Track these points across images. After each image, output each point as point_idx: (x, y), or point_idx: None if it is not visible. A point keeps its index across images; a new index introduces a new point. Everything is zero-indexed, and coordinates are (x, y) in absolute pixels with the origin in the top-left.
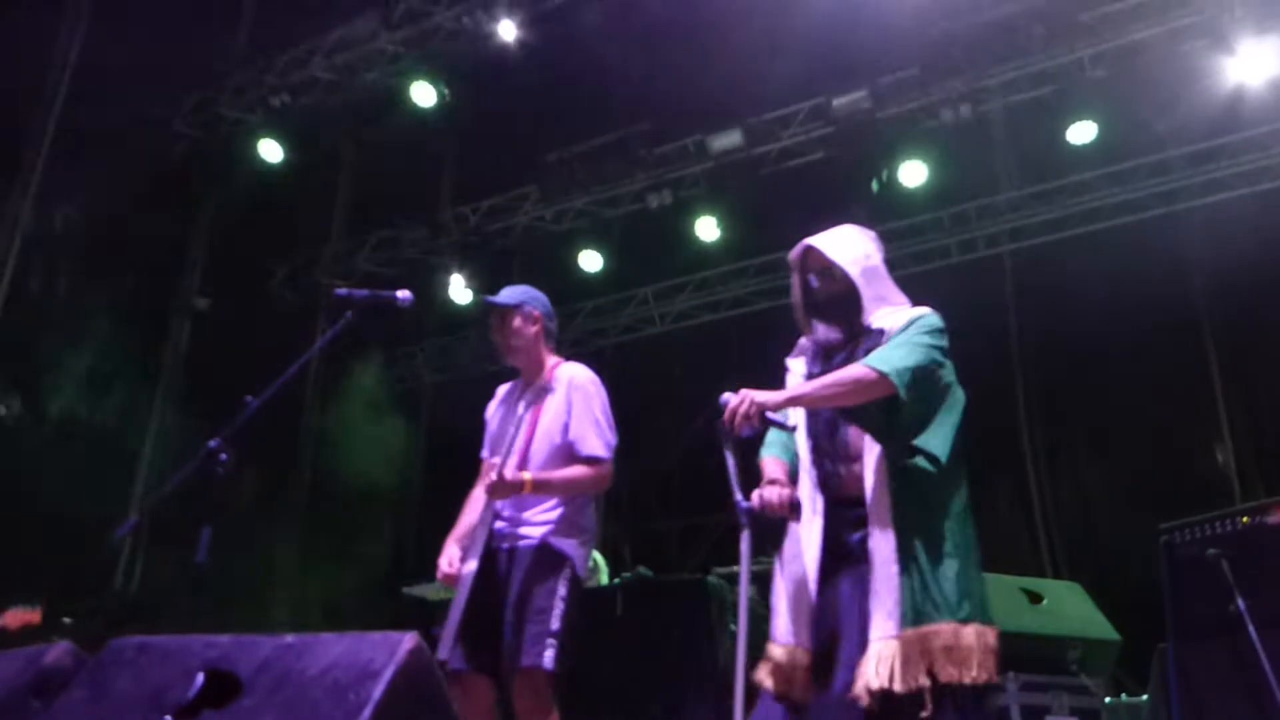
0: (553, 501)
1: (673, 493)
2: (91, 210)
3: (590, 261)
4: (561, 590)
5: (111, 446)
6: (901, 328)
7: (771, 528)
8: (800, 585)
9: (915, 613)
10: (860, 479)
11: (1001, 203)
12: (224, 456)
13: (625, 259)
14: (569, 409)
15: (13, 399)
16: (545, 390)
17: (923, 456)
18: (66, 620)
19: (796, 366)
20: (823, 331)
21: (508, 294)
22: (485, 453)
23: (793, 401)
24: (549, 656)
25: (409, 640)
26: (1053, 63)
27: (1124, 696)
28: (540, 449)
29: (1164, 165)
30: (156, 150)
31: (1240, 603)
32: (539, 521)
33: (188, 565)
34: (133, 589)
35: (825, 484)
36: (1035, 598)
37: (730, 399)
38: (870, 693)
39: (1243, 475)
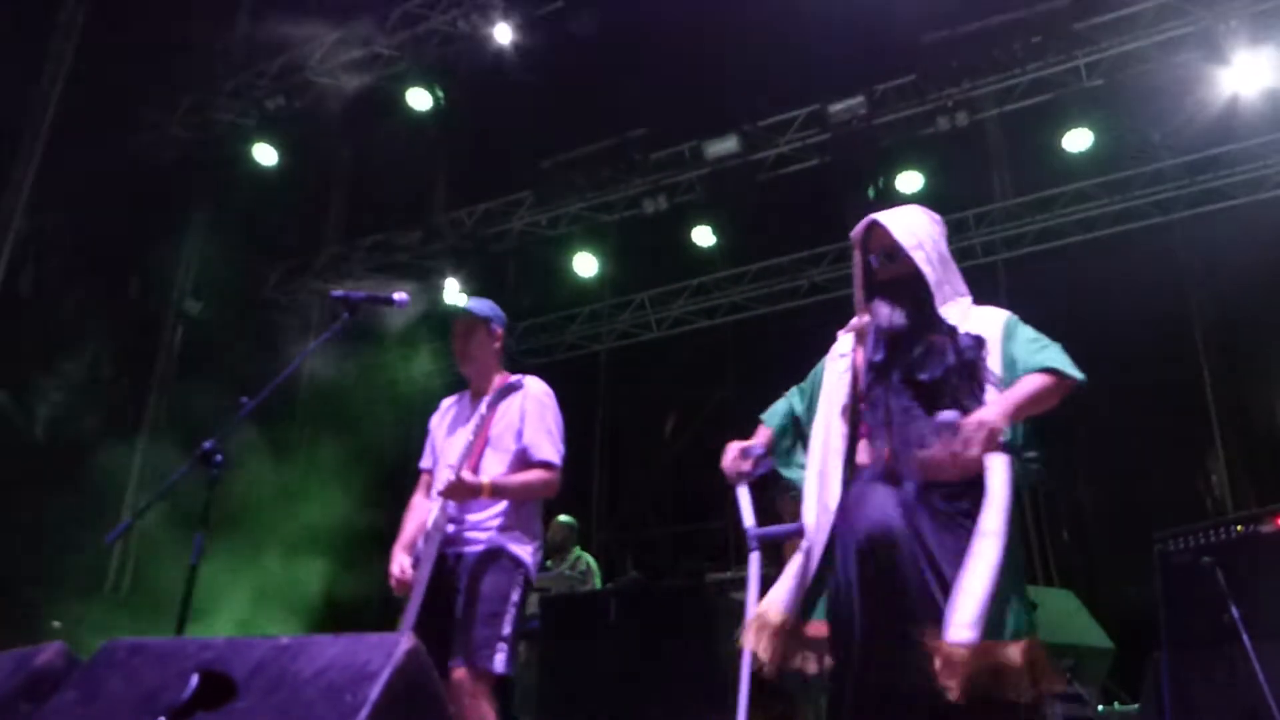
0: (503, 507)
1: (666, 500)
2: (85, 212)
3: (586, 266)
4: (514, 595)
5: (103, 450)
6: (1007, 333)
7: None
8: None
9: (993, 625)
10: (943, 464)
11: (997, 211)
12: (218, 459)
13: (621, 264)
14: (522, 417)
15: (3, 400)
16: (498, 399)
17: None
18: (56, 624)
19: (845, 343)
20: (886, 315)
21: (476, 306)
22: (425, 462)
23: (1018, 415)
24: (500, 660)
25: (406, 641)
26: (1049, 71)
27: (1116, 705)
28: (492, 456)
29: (1159, 175)
30: (151, 152)
31: (1234, 611)
32: (492, 526)
33: (180, 568)
34: (124, 592)
35: (897, 466)
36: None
37: (970, 426)
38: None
39: (1235, 484)
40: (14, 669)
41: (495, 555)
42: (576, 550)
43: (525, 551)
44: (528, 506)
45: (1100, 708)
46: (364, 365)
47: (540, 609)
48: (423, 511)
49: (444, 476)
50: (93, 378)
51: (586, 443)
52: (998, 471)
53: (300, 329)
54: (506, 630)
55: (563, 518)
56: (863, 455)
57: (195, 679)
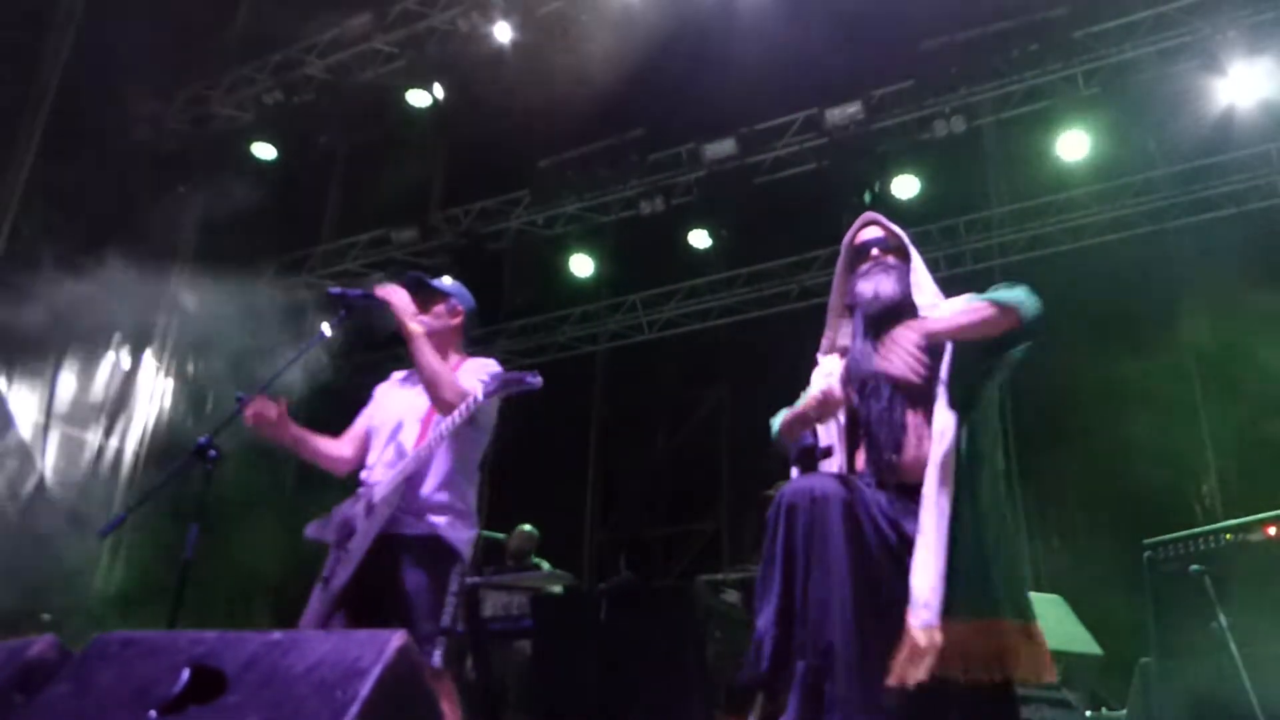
0: (436, 487)
1: (659, 501)
2: (81, 204)
3: (581, 267)
4: (453, 586)
5: (99, 440)
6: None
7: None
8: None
9: (963, 604)
10: (915, 466)
11: (991, 217)
12: (214, 454)
13: (616, 265)
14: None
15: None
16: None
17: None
18: (46, 616)
19: (830, 364)
20: (872, 289)
21: (441, 282)
22: (358, 423)
23: (937, 334)
24: (438, 655)
25: (397, 639)
26: (1046, 79)
27: (1104, 711)
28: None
29: (1152, 184)
30: (147, 145)
31: (1222, 619)
32: (427, 510)
33: (174, 561)
34: (113, 586)
35: (879, 471)
36: None
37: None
38: (906, 684)
39: (1225, 493)
40: (6, 660)
41: (433, 544)
42: (534, 559)
43: (463, 539)
44: (463, 486)
45: (1088, 713)
46: (357, 363)
47: (532, 608)
48: (332, 448)
49: (384, 459)
50: (87, 368)
51: (580, 443)
52: (937, 445)
53: (295, 324)
54: (445, 623)
55: (526, 527)
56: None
57: (187, 673)
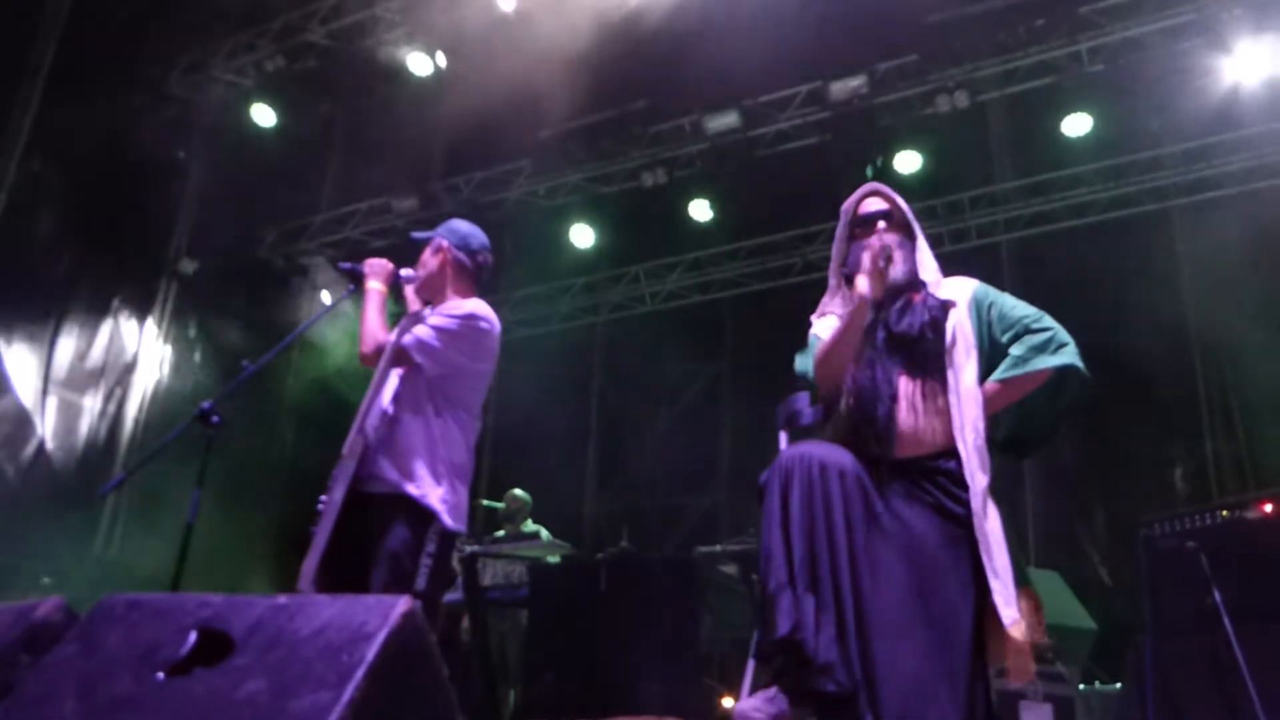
0: (398, 444)
1: (658, 472)
2: (80, 169)
3: (582, 238)
4: (430, 547)
5: (98, 406)
6: (984, 296)
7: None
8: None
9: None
10: (909, 440)
11: (995, 193)
12: (217, 419)
13: (618, 236)
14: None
15: None
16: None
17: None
18: (45, 580)
19: (824, 328)
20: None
21: (425, 232)
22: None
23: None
24: None
25: (403, 603)
26: (1051, 55)
27: (1097, 685)
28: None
29: (1156, 161)
30: (147, 110)
31: (1217, 596)
32: (402, 468)
33: (176, 526)
34: (113, 550)
35: (867, 443)
36: None
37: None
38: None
39: (1219, 470)
40: (13, 621)
41: (402, 504)
42: (530, 524)
43: (436, 497)
44: (433, 443)
45: (1081, 687)
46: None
47: (530, 577)
48: (380, 333)
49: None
50: (86, 333)
51: (581, 414)
52: (967, 440)
53: (295, 292)
54: (420, 586)
55: (518, 491)
56: None
57: (193, 635)
